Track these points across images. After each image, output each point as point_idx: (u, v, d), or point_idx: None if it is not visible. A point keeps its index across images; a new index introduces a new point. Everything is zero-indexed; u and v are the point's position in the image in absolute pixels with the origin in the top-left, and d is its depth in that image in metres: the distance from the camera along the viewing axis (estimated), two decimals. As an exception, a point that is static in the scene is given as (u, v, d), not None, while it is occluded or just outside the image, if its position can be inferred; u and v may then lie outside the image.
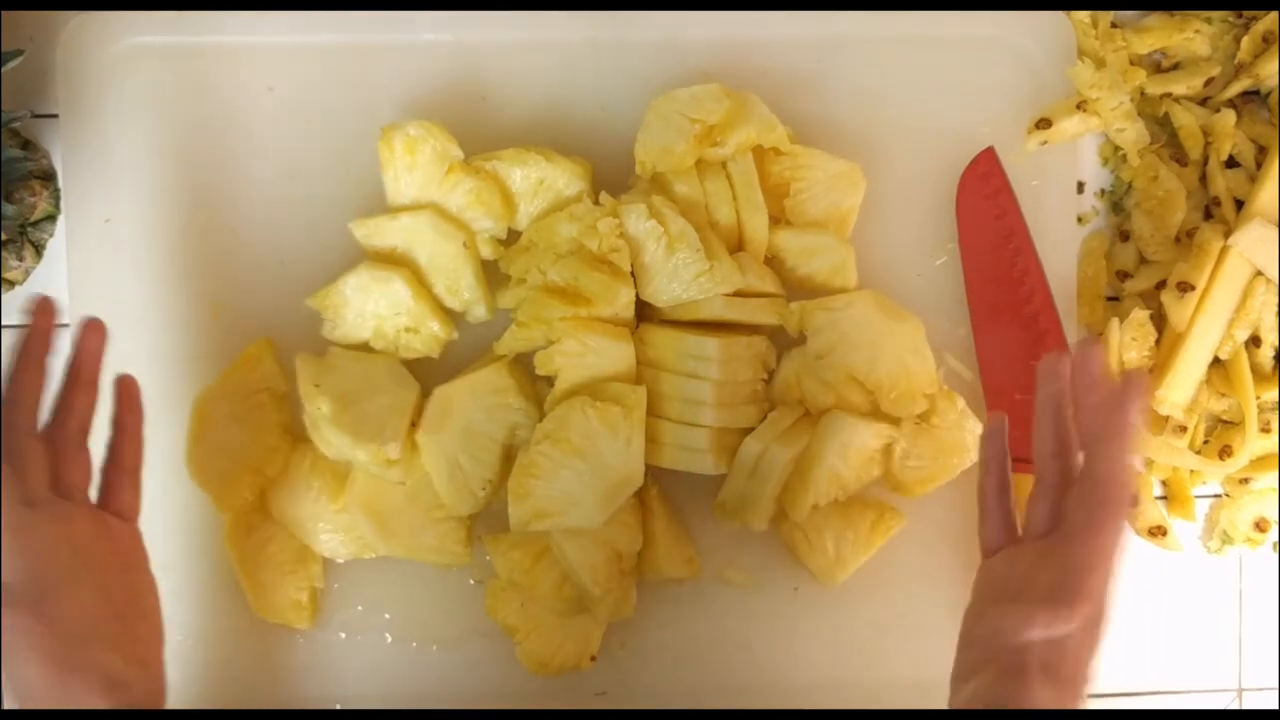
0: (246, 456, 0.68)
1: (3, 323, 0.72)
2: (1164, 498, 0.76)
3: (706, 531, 0.72)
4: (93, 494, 0.61)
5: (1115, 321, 0.71)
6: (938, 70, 0.73)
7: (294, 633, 0.71)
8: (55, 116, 0.71)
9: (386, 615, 0.72)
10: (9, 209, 0.66)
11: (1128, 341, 0.72)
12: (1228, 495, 0.75)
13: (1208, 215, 0.74)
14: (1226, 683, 0.76)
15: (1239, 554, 0.76)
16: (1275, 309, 0.71)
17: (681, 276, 0.66)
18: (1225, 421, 0.74)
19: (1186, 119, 0.73)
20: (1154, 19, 0.74)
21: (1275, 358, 0.72)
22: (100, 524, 0.60)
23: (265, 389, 0.69)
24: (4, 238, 0.67)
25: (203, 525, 0.70)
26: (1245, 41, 0.73)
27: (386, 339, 0.69)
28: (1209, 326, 0.71)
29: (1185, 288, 0.70)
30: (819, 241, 0.69)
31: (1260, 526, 0.75)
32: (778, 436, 0.67)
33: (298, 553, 0.70)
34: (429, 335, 0.69)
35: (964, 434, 0.70)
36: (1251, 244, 0.70)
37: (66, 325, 0.71)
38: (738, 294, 0.67)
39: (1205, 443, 0.74)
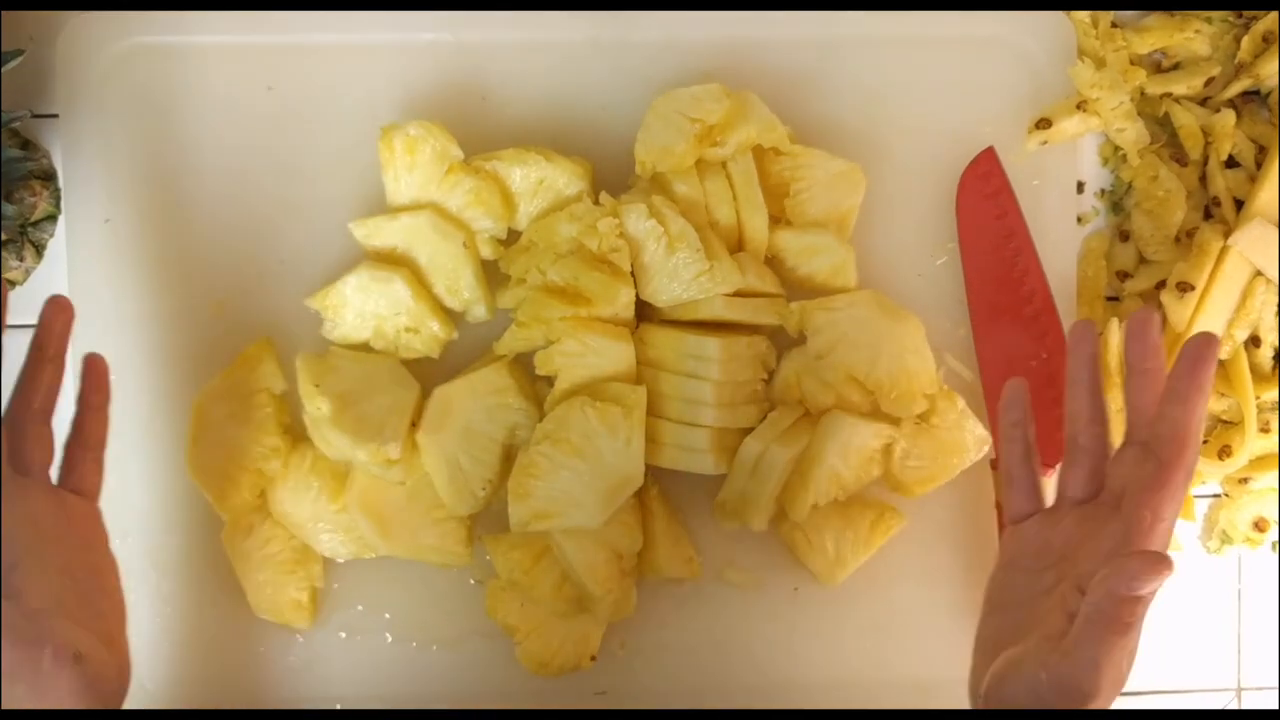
0: (246, 456, 0.68)
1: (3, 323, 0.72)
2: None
3: (706, 531, 0.72)
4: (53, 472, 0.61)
5: (1115, 321, 0.72)
6: (938, 70, 0.73)
7: (294, 633, 0.71)
8: (55, 116, 0.71)
9: (386, 615, 0.72)
10: (9, 209, 0.66)
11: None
12: (1227, 495, 0.75)
13: (1208, 215, 0.74)
14: (1226, 682, 0.76)
15: (1238, 554, 0.76)
16: (1275, 309, 0.71)
17: (681, 276, 0.66)
18: (1225, 421, 0.74)
19: (1186, 119, 0.73)
20: (1154, 19, 0.74)
21: (1275, 358, 0.72)
22: (60, 502, 0.60)
23: (265, 389, 0.69)
24: (4, 238, 0.67)
25: (203, 525, 0.70)
26: (1245, 41, 0.73)
27: (386, 339, 0.69)
28: (1209, 326, 0.71)
29: (1185, 288, 0.70)
30: (819, 241, 0.69)
31: (1259, 526, 0.75)
32: (778, 436, 0.67)
33: (298, 553, 0.70)
34: (429, 335, 0.69)
35: (964, 434, 0.70)
36: (1251, 244, 0.70)
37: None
38: (738, 294, 0.67)
39: (1204, 443, 0.74)
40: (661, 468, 0.68)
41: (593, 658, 0.70)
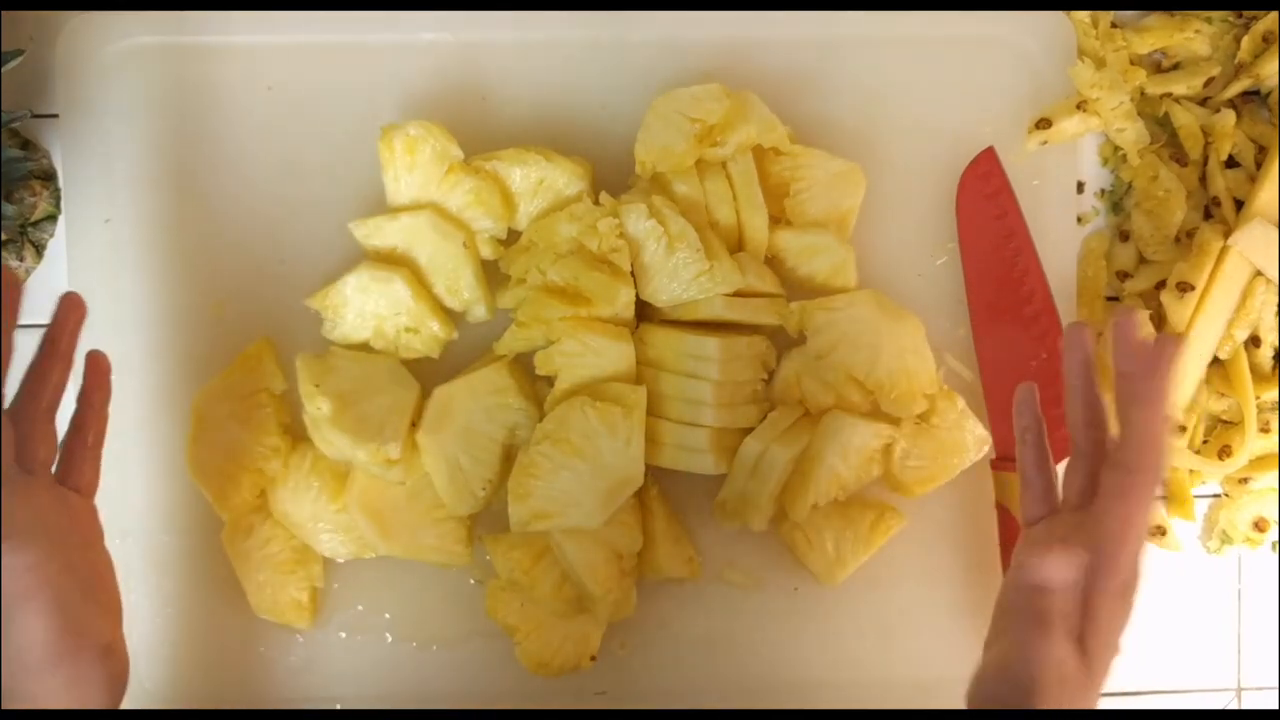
0: (246, 456, 0.68)
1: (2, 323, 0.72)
2: (1163, 498, 0.76)
3: (706, 531, 0.72)
4: None
5: (1115, 321, 0.72)
6: (938, 70, 0.73)
7: (294, 633, 0.71)
8: (55, 116, 0.71)
9: (386, 615, 0.72)
10: (9, 209, 0.66)
11: (1127, 341, 0.72)
12: (1227, 495, 0.75)
13: (1208, 215, 0.74)
14: (1226, 682, 0.76)
15: (1238, 554, 0.76)
16: (1275, 309, 0.71)
17: (681, 276, 0.66)
18: (1224, 421, 0.74)
19: (1186, 119, 0.73)
20: (1154, 19, 0.74)
21: (1275, 358, 0.72)
22: (62, 499, 0.59)
23: (265, 389, 0.69)
24: (4, 238, 0.67)
25: (203, 525, 0.70)
26: (1245, 41, 0.73)
27: (386, 339, 0.69)
28: (1208, 326, 0.71)
29: (1185, 288, 0.70)
30: (819, 241, 0.69)
31: (1259, 526, 0.75)
32: (778, 436, 0.67)
33: (298, 553, 0.70)
34: (429, 335, 0.69)
35: (964, 434, 0.70)
36: (1251, 244, 0.70)
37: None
38: (738, 294, 0.67)
39: (1205, 443, 0.74)
40: (661, 468, 0.68)
41: (593, 658, 0.70)
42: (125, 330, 0.71)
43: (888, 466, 0.70)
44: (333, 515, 0.69)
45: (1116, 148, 0.74)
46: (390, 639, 0.72)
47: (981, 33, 0.73)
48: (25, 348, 0.72)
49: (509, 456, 0.68)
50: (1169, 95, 0.74)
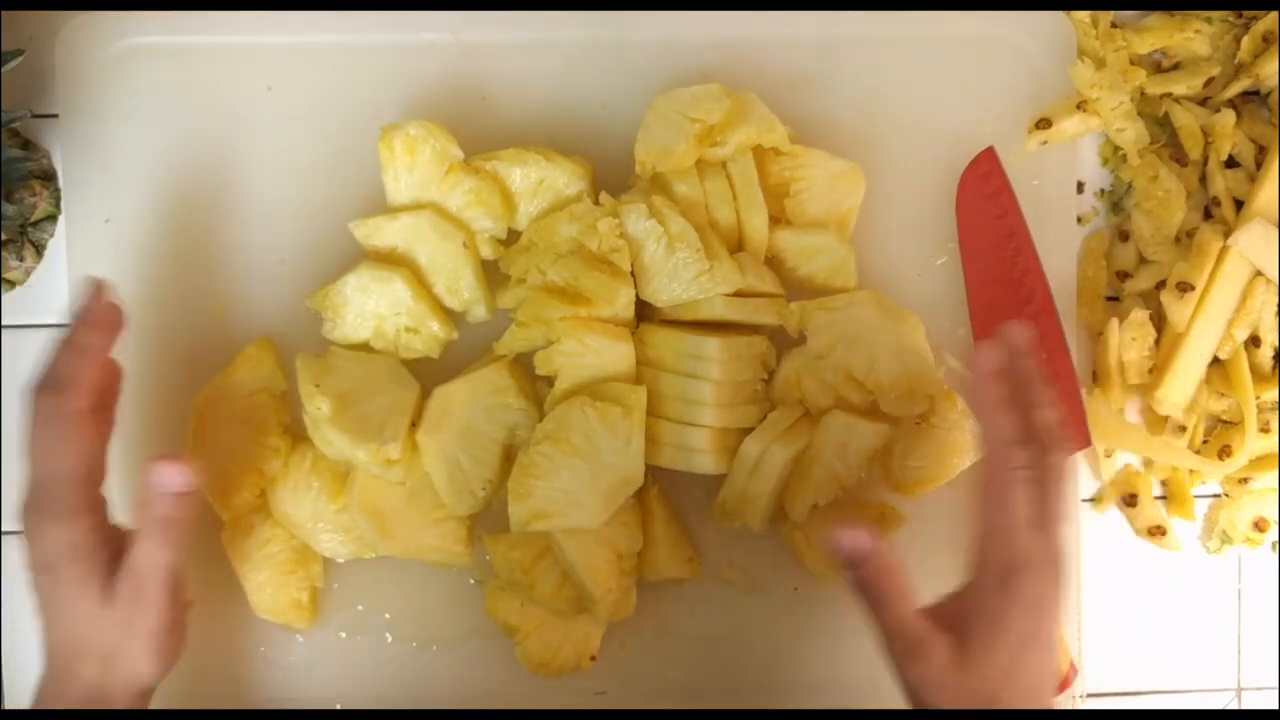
0: (246, 456, 0.68)
1: (3, 323, 0.72)
2: (1163, 498, 0.76)
3: (706, 531, 0.72)
4: None
5: (1115, 321, 0.72)
6: (938, 70, 0.73)
7: (294, 633, 0.71)
8: (55, 116, 0.71)
9: (386, 615, 0.72)
10: (9, 209, 0.66)
11: (1128, 341, 0.72)
12: (1227, 495, 0.75)
13: (1207, 215, 0.74)
14: (1226, 682, 0.76)
15: (1238, 554, 0.76)
16: (1275, 309, 0.71)
17: (681, 276, 0.66)
18: (1225, 421, 0.74)
19: (1186, 119, 0.73)
20: (1154, 19, 0.74)
21: (1275, 358, 0.72)
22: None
23: (265, 389, 0.69)
24: (4, 238, 0.67)
25: (203, 525, 0.70)
26: (1245, 41, 0.73)
27: (386, 339, 0.69)
28: (1208, 326, 0.71)
29: (1185, 288, 0.70)
30: (819, 241, 0.70)
31: (1259, 526, 0.75)
32: (778, 436, 0.67)
33: (298, 553, 0.70)
34: (429, 335, 0.69)
35: (964, 434, 0.70)
36: (1251, 244, 0.70)
37: (66, 325, 0.71)
38: (738, 294, 0.67)
39: (1205, 443, 0.74)
40: (661, 468, 0.68)
41: (593, 658, 0.70)
42: (125, 330, 0.70)
43: (888, 466, 0.70)
44: (333, 515, 0.69)
45: (1116, 148, 0.74)
46: (390, 639, 0.72)
47: (981, 33, 0.73)
48: (22, 348, 0.72)
49: (509, 456, 0.68)
50: (1169, 95, 0.74)
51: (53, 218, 0.69)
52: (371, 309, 0.68)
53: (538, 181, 0.68)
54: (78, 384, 0.59)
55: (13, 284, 0.69)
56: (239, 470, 0.68)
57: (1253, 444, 0.72)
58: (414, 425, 0.67)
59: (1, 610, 0.72)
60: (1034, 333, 0.61)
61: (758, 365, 0.69)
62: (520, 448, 0.66)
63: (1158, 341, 0.72)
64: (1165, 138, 0.74)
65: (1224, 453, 0.72)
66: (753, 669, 0.72)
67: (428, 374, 0.69)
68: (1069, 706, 0.72)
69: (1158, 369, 0.72)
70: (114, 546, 0.60)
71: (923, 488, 0.70)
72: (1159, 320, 0.73)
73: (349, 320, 0.69)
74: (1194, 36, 0.73)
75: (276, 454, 0.68)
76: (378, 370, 0.68)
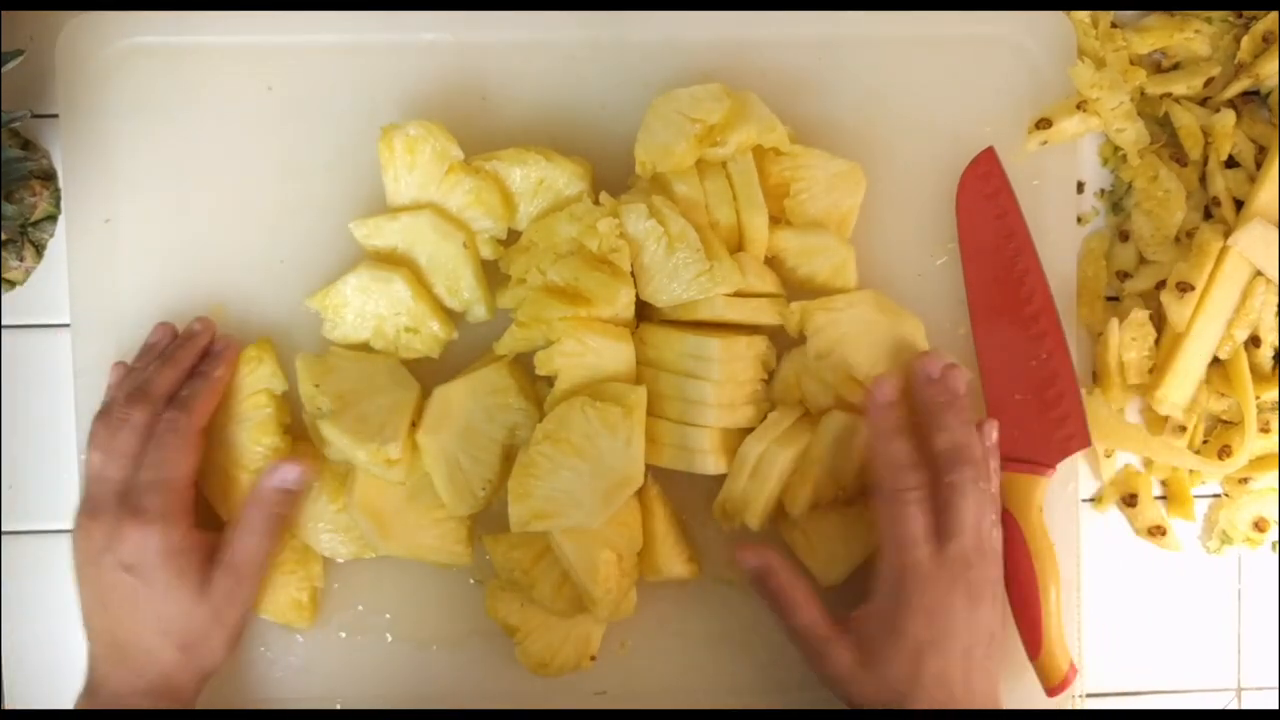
0: (246, 456, 0.68)
1: (3, 323, 0.72)
2: (1163, 498, 0.76)
3: (706, 531, 0.72)
4: None
5: (1115, 321, 0.72)
6: (938, 70, 0.73)
7: (294, 633, 0.71)
8: (55, 116, 0.71)
9: (386, 615, 0.72)
10: (9, 209, 0.66)
11: (1128, 341, 0.72)
12: (1227, 495, 0.75)
13: (1207, 215, 0.74)
14: (1226, 682, 0.76)
15: (1238, 554, 0.76)
16: (1275, 309, 0.71)
17: (681, 276, 0.66)
18: (1225, 421, 0.74)
19: (1186, 119, 0.73)
20: (1154, 19, 0.74)
21: (1275, 358, 0.72)
22: None
23: (265, 389, 0.69)
24: (4, 238, 0.67)
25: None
26: (1245, 41, 0.73)
27: (386, 339, 0.69)
28: (1208, 326, 0.71)
29: (1185, 288, 0.70)
30: (819, 241, 0.69)
31: (1259, 526, 0.75)
32: (778, 436, 0.67)
33: (298, 553, 0.70)
34: (429, 335, 0.69)
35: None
36: (1251, 244, 0.70)
37: (66, 325, 0.71)
38: (738, 294, 0.67)
39: (1204, 443, 0.74)
40: (661, 468, 0.68)
41: (593, 658, 0.70)
42: (125, 330, 0.70)
43: (888, 466, 0.70)
44: (333, 515, 0.69)
45: (1116, 148, 0.74)
46: (390, 639, 0.72)
47: (981, 33, 0.73)
48: (23, 348, 0.72)
49: (509, 456, 0.68)
50: (1169, 95, 0.74)
51: (53, 218, 0.69)
52: (371, 309, 0.68)
53: (538, 181, 0.68)
54: (205, 408, 0.67)
55: (13, 284, 0.69)
56: (239, 470, 0.68)
57: (1253, 444, 0.72)
58: (414, 425, 0.67)
59: (1, 610, 0.72)
60: (942, 362, 0.68)
61: (758, 365, 0.69)
62: (520, 448, 0.66)
63: (1158, 341, 0.72)
64: (1165, 138, 0.74)
65: (1224, 453, 0.72)
66: (753, 669, 0.72)
67: (428, 374, 0.69)
68: (1069, 706, 0.72)
69: (1158, 369, 0.72)
70: (205, 546, 0.66)
71: (923, 488, 0.70)
72: (1159, 320, 0.73)
73: (349, 320, 0.69)
74: (1194, 36, 0.73)
75: (276, 454, 0.68)
76: (378, 370, 0.68)
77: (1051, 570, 0.69)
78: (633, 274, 0.67)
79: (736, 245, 0.69)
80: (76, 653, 0.69)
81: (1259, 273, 0.70)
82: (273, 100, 0.71)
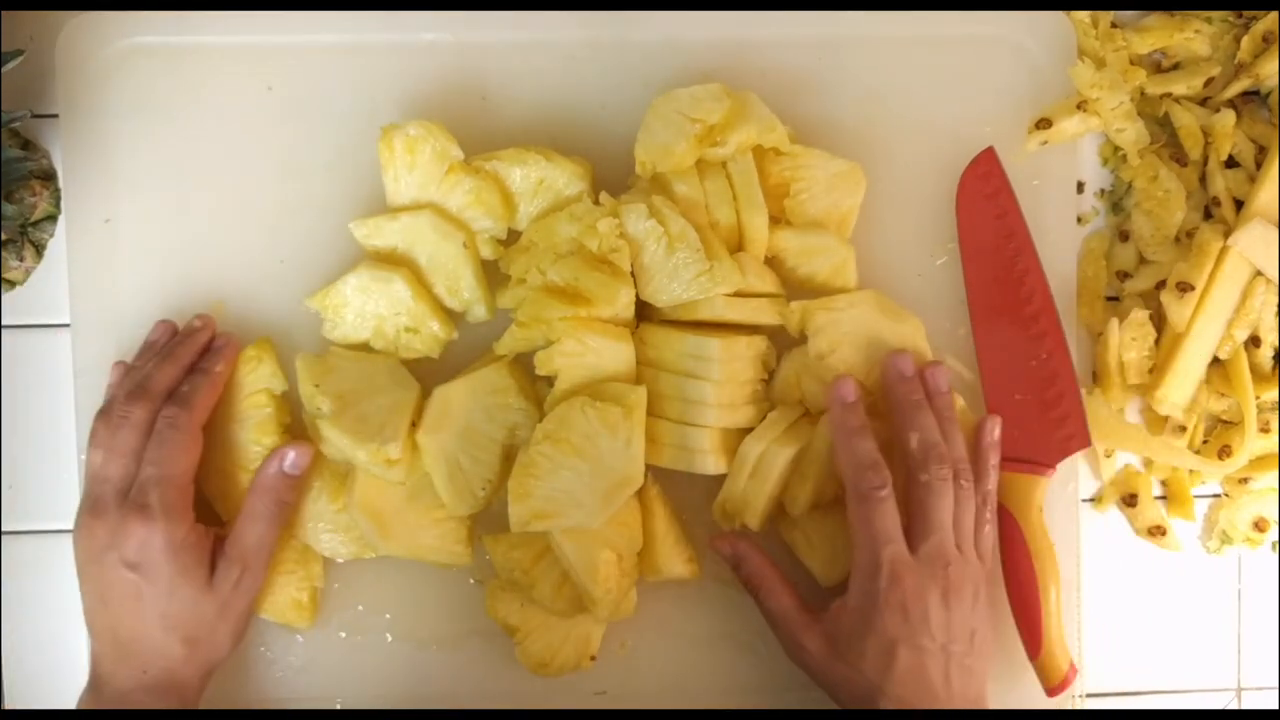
0: (246, 456, 0.68)
1: (3, 323, 0.72)
2: (1163, 497, 0.76)
3: (706, 531, 0.72)
4: None
5: (1115, 321, 0.72)
6: (938, 70, 0.73)
7: (294, 633, 0.71)
8: (55, 116, 0.71)
9: (386, 615, 0.72)
10: (9, 209, 0.66)
11: (1128, 341, 0.72)
12: (1227, 495, 0.75)
13: (1207, 215, 0.74)
14: (1226, 682, 0.76)
15: (1238, 554, 0.76)
16: (1275, 309, 0.71)
17: (681, 276, 0.66)
18: (1225, 421, 0.74)
19: (1186, 119, 0.73)
20: (1154, 19, 0.74)
21: (1275, 358, 0.72)
22: None
23: (265, 389, 0.69)
24: (4, 238, 0.66)
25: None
26: (1245, 41, 0.73)
27: (386, 339, 0.69)
28: (1208, 326, 0.71)
29: (1185, 288, 0.70)
30: (819, 241, 0.69)
31: (1259, 526, 0.75)
32: (778, 436, 0.67)
33: (298, 553, 0.70)
34: (429, 335, 0.69)
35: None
36: (1251, 244, 0.70)
37: (66, 325, 0.71)
38: (738, 294, 0.67)
39: (1204, 443, 0.74)
40: (661, 468, 0.68)
41: (593, 658, 0.70)
42: (125, 330, 0.70)
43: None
44: (333, 515, 0.69)
45: (1116, 148, 0.74)
46: (390, 639, 0.72)
47: (981, 32, 0.73)
48: (22, 348, 0.72)
49: (509, 456, 0.68)
50: (1169, 95, 0.74)
51: (53, 218, 0.69)
52: (371, 309, 0.68)
53: (538, 181, 0.68)
54: (205, 404, 0.66)
55: (13, 284, 0.69)
56: (239, 470, 0.68)
57: (1253, 444, 0.72)
58: (414, 425, 0.67)
59: (1, 610, 0.72)
60: (914, 363, 0.68)
61: (758, 365, 0.69)
62: (520, 448, 0.66)
63: (1158, 341, 0.72)
64: (1165, 138, 0.74)
65: (1224, 453, 0.72)
66: (753, 669, 0.72)
67: (428, 374, 0.69)
68: (1069, 706, 0.72)
69: (1158, 369, 0.72)
70: (207, 541, 0.66)
71: (923, 488, 0.70)
72: (1159, 320, 0.73)
73: (349, 320, 0.69)
74: (1194, 36, 0.73)
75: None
76: (378, 370, 0.68)
77: (1051, 570, 0.69)
78: (633, 274, 0.67)
79: (736, 245, 0.69)
80: (77, 652, 0.70)
81: (1259, 273, 0.70)
82: (273, 100, 0.71)
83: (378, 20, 0.71)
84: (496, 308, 0.70)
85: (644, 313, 0.69)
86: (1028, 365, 0.71)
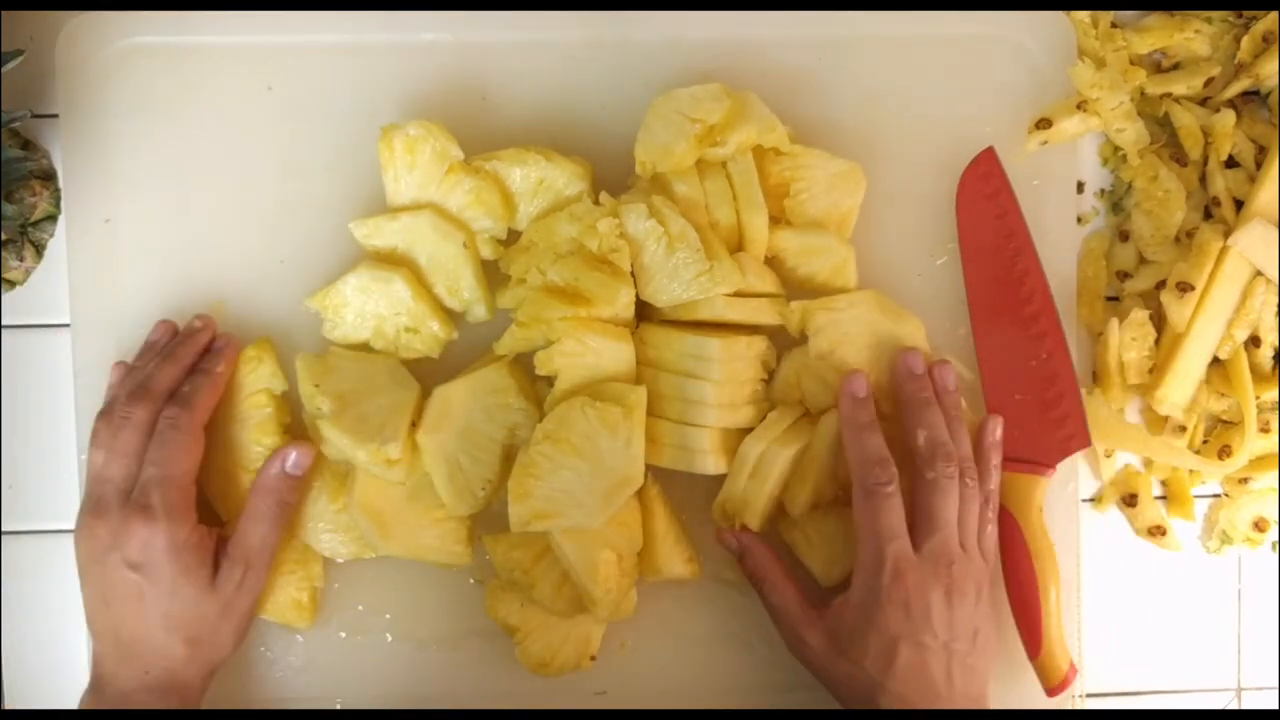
0: (246, 456, 0.68)
1: (3, 323, 0.72)
2: (1163, 497, 0.76)
3: (706, 531, 0.72)
4: None
5: (1115, 321, 0.72)
6: (938, 70, 0.73)
7: (294, 633, 0.71)
8: (55, 116, 0.71)
9: (386, 615, 0.72)
10: (9, 209, 0.66)
11: (1128, 341, 0.72)
12: (1227, 495, 0.75)
13: (1207, 215, 0.74)
14: (1226, 682, 0.76)
15: (1238, 554, 0.76)
16: (1275, 309, 0.71)
17: (681, 276, 0.66)
18: (1225, 421, 0.74)
19: (1186, 119, 0.73)
20: (1154, 19, 0.74)
21: (1275, 358, 0.72)
22: None
23: (265, 389, 0.69)
24: (4, 238, 0.66)
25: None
26: (1245, 41, 0.73)
27: (386, 339, 0.69)
28: (1208, 326, 0.71)
29: (1185, 288, 0.70)
30: (819, 241, 0.69)
31: (1259, 526, 0.75)
32: (777, 436, 0.67)
33: (298, 553, 0.70)
34: (429, 335, 0.69)
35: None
36: (1251, 244, 0.70)
37: (66, 325, 0.71)
38: (738, 294, 0.67)
39: (1204, 443, 0.74)
40: (661, 468, 0.68)
41: (593, 658, 0.70)
42: (125, 330, 0.70)
43: (888, 466, 0.70)
44: (333, 515, 0.69)
45: (1116, 148, 0.74)
46: (390, 639, 0.72)
47: (981, 32, 0.73)
48: (22, 348, 0.72)
49: (509, 456, 0.68)
50: (1169, 95, 0.74)
51: (53, 218, 0.69)
52: (371, 309, 0.68)
53: (538, 181, 0.68)
54: (207, 404, 0.67)
55: (13, 284, 0.69)
56: (239, 470, 0.68)
57: (1253, 444, 0.72)
58: (414, 425, 0.67)
59: (1, 610, 0.72)
60: (923, 358, 0.69)
61: (758, 365, 0.69)
62: (520, 448, 0.66)
63: (1158, 341, 0.72)
64: (1165, 138, 0.74)
65: (1224, 453, 0.72)
66: (753, 669, 0.72)
67: (428, 374, 0.69)
68: (1069, 706, 0.72)
69: (1158, 369, 0.72)
70: (209, 541, 0.66)
71: (923, 488, 0.70)
72: (1159, 320, 0.73)
73: (349, 320, 0.69)
74: (1194, 36, 0.73)
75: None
76: (378, 370, 0.68)
77: (1051, 570, 0.69)
78: (633, 274, 0.67)
79: (736, 245, 0.69)
80: (77, 652, 0.70)
81: (1259, 273, 0.70)
82: (273, 100, 0.71)
83: (378, 20, 0.71)
84: (496, 308, 0.70)
85: (644, 313, 0.69)
86: (1028, 365, 0.71)
